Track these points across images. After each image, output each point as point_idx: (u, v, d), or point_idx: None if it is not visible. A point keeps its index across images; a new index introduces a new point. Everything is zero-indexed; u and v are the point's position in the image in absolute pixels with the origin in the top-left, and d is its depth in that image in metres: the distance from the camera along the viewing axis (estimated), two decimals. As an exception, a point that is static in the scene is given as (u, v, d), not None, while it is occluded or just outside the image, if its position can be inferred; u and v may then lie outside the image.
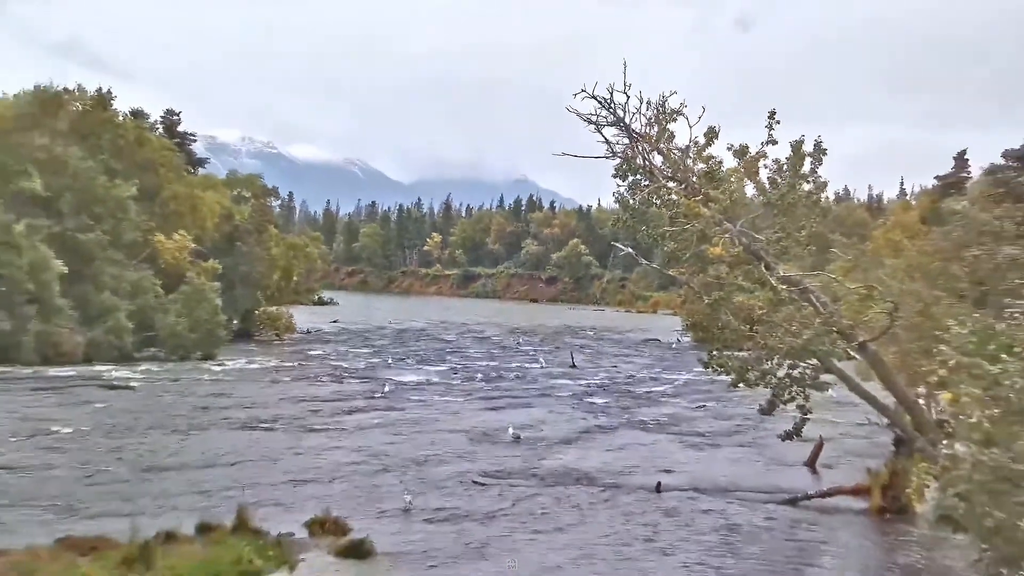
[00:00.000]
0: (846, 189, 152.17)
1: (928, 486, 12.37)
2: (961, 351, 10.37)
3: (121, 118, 59.76)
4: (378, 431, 28.91)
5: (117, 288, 48.03)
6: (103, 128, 55.92)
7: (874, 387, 20.98)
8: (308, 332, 70.06)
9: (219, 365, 46.50)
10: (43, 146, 49.13)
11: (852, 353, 20.37)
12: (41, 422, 27.63)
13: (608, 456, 26.11)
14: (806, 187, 20.96)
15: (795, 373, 20.66)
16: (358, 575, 14.49)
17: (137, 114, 64.69)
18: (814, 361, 20.33)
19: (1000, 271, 18.73)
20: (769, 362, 20.67)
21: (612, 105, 20.99)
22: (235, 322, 59.85)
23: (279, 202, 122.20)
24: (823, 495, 21.37)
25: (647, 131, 21.25)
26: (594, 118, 21.19)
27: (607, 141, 21.43)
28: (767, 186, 21.20)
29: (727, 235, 20.24)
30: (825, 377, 20.73)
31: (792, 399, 20.91)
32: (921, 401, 20.63)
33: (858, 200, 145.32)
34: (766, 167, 21.15)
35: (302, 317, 72.54)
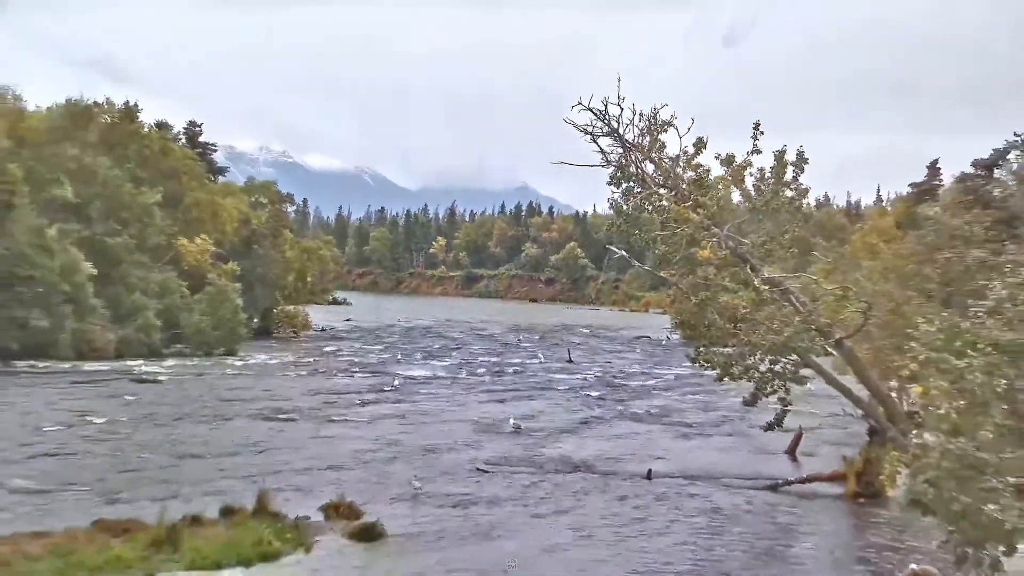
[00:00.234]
0: (826, 195, 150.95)
1: (899, 473, 12.42)
2: (930, 347, 10.43)
3: (146, 129, 59.86)
4: (389, 422, 29.00)
5: (145, 289, 48.14)
6: (130, 139, 56.07)
7: (850, 381, 21.09)
8: (323, 330, 70.03)
9: (240, 360, 46.56)
10: (74, 156, 49.31)
11: (829, 349, 20.47)
12: (78, 413, 27.74)
13: (603, 445, 26.19)
14: (789, 194, 21.06)
15: (776, 368, 20.77)
16: (370, 556, 14.55)
17: (161, 125, 64.75)
18: (794, 357, 20.44)
19: (969, 273, 18.79)
20: (752, 358, 20.79)
21: (607, 117, 21.08)
22: (255, 320, 59.85)
23: (294, 208, 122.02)
24: (802, 481, 21.47)
25: (640, 141, 21.34)
26: (590, 129, 21.28)
27: (602, 151, 21.53)
28: (752, 193, 21.32)
29: (714, 239, 20.36)
30: (804, 372, 20.89)
31: (774, 392, 21.04)
32: (893, 394, 20.75)
33: (838, 206, 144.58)
34: (751, 175, 21.28)
35: (317, 316, 72.53)
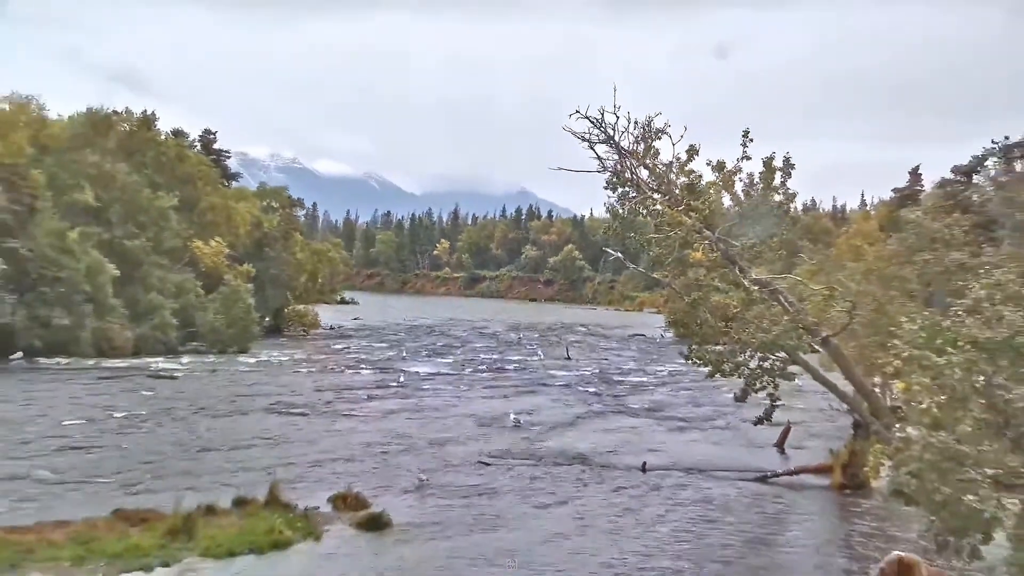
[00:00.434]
0: (813, 200, 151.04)
1: (883, 465, 12.41)
2: (912, 345, 10.41)
3: (163, 137, 59.91)
4: (394, 416, 28.99)
5: (162, 289, 48.14)
6: (147, 146, 56.13)
7: (835, 377, 21.03)
8: (332, 328, 69.99)
9: (253, 357, 46.54)
10: (94, 163, 49.30)
11: (816, 347, 20.41)
12: (98, 408, 27.77)
13: (599, 438, 26.18)
14: (777, 198, 21.04)
15: (765, 365, 20.72)
16: (376, 544, 14.56)
17: (177, 133, 64.79)
18: (782, 354, 20.39)
19: (948, 274, 18.78)
20: (742, 355, 20.74)
21: (603, 125, 21.03)
22: (267, 319, 59.85)
23: (304, 212, 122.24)
24: (790, 473, 21.46)
25: (635, 148, 21.29)
26: (587, 136, 21.25)
27: (599, 157, 21.47)
28: (742, 197, 21.31)
29: (706, 242, 20.33)
30: (792, 368, 20.82)
31: (763, 388, 20.99)
32: (877, 389, 20.70)
33: (823, 210, 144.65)
34: (741, 180, 21.26)
35: (326, 315, 72.49)
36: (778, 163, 20.80)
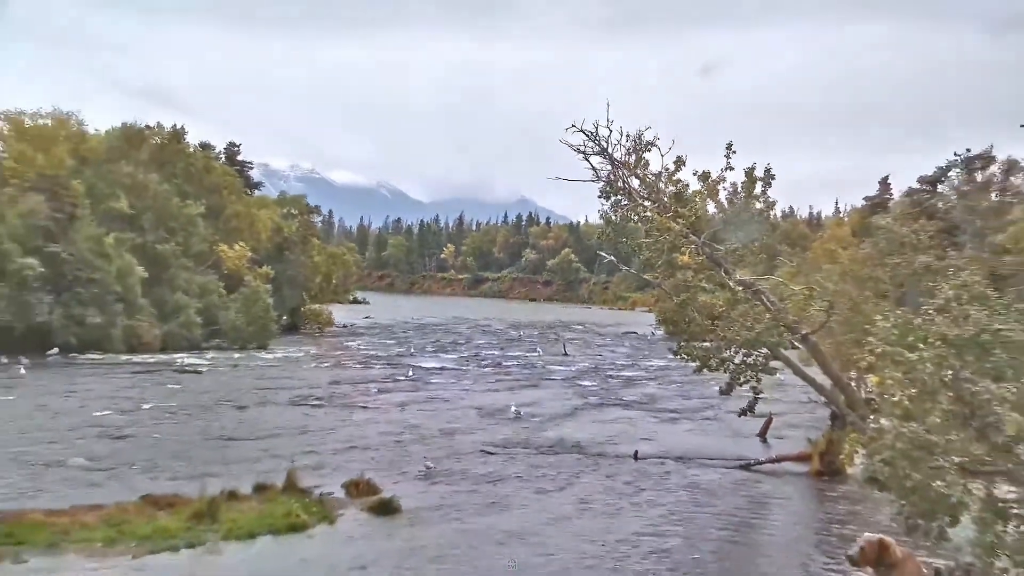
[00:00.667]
0: (791, 207, 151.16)
1: (858, 453, 12.38)
2: (885, 341, 10.37)
3: (192, 149, 60.00)
4: (403, 408, 28.93)
5: (188, 289, 48.23)
6: (177, 158, 56.28)
7: (814, 371, 21.03)
8: (345, 326, 70.00)
9: (271, 353, 46.54)
10: (129, 173, 49.55)
11: (796, 343, 20.41)
12: (129, 400, 27.75)
13: (595, 429, 26.11)
14: (758, 206, 21.04)
15: (749, 360, 20.72)
16: (387, 528, 14.51)
17: (205, 146, 64.90)
18: (765, 350, 20.40)
19: (916, 275, 18.78)
20: (728, 351, 20.74)
21: (597, 138, 21.06)
22: (284, 318, 59.92)
23: (321, 218, 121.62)
24: (772, 461, 21.39)
25: (626, 159, 21.31)
26: (583, 148, 21.26)
27: (593, 167, 21.50)
28: (726, 205, 21.31)
29: (693, 246, 20.33)
30: (774, 363, 20.81)
31: (747, 382, 20.97)
32: (852, 383, 20.67)
33: (801, 217, 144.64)
34: (725, 189, 21.27)
35: (340, 314, 72.52)
36: (759, 173, 20.81)
